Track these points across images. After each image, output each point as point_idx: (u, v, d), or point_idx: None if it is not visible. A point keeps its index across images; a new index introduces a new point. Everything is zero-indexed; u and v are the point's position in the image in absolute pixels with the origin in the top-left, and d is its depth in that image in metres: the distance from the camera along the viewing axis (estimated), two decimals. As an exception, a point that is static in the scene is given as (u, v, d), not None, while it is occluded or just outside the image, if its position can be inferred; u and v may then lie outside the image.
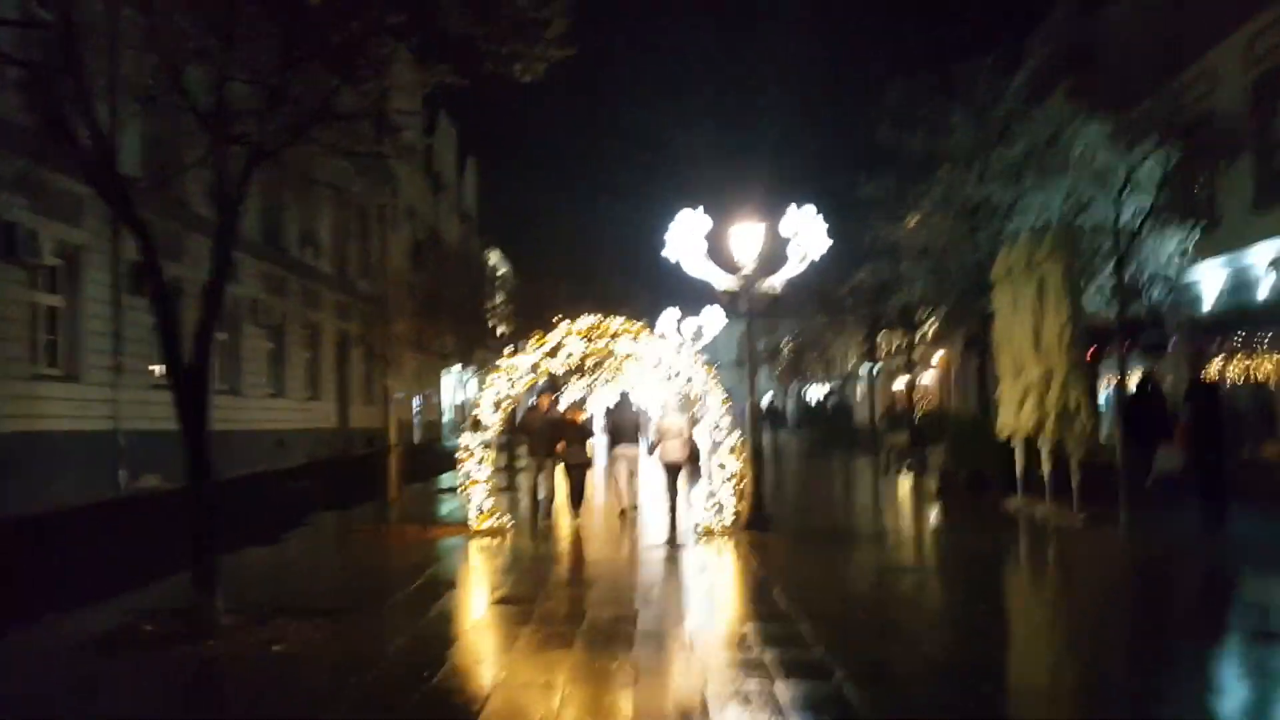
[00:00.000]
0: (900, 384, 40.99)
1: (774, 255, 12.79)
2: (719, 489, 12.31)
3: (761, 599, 8.34)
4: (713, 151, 68.45)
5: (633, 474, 14.34)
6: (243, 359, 20.92)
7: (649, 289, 36.52)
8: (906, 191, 17.07)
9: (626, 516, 14.11)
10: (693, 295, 32.81)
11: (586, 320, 12.34)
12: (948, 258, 16.66)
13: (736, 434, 12.41)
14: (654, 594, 8.75)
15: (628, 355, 12.66)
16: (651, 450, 14.05)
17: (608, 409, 19.54)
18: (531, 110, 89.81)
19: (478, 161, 44.69)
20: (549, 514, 13.96)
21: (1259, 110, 15.43)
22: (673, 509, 13.06)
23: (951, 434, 16.37)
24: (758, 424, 13.72)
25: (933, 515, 15.01)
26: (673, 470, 13.53)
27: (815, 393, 58.65)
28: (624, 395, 17.66)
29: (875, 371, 34.89)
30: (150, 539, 11.49)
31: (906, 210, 17.55)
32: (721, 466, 12.33)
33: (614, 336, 12.23)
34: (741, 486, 12.39)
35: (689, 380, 12.59)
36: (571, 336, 12.19)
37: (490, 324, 28.58)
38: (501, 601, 8.48)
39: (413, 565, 10.23)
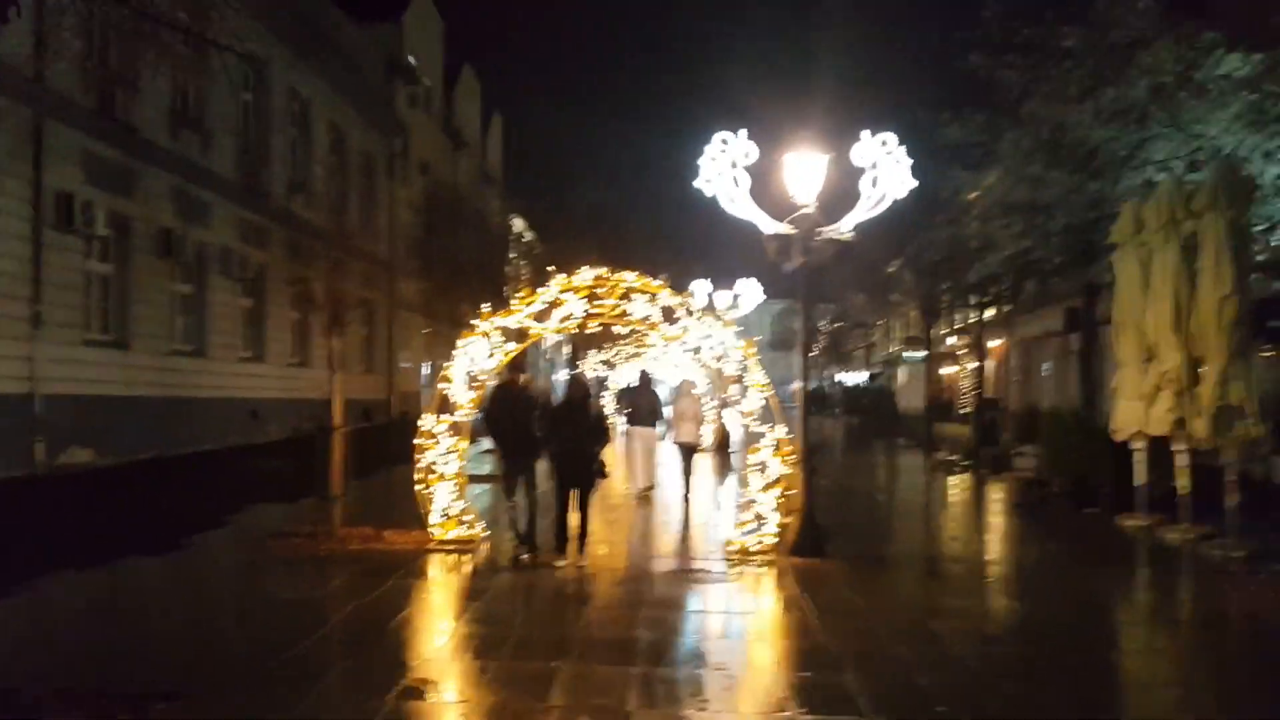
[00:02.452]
0: (952, 370, 37.70)
1: (835, 202, 9.76)
2: (759, 497, 9.34)
3: (830, 698, 5.32)
4: (765, 87, 62.02)
5: (650, 455, 14.00)
6: (210, 316, 18.19)
7: (685, 259, 33.51)
8: (1001, 133, 13.76)
9: (644, 499, 13.61)
10: (729, 269, 29.97)
11: (589, 273, 9.26)
12: (1051, 215, 13.40)
13: (782, 429, 9.38)
14: (659, 678, 5.71)
15: (646, 320, 9.55)
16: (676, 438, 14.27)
17: (624, 389, 16.84)
18: (560, 49, 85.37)
19: (504, 120, 41.58)
20: (533, 531, 9.26)
21: None
22: (686, 499, 13.31)
23: (1047, 433, 13.25)
24: (808, 417, 10.60)
25: (1025, 534, 11.98)
26: (687, 451, 13.95)
27: (852, 378, 55.55)
28: (643, 374, 14.88)
29: (924, 356, 31.59)
30: (63, 530, 9.10)
31: (998, 158, 14.24)
32: (762, 469, 9.33)
33: (624, 296, 9.19)
34: (788, 495, 9.39)
35: (721, 357, 9.57)
36: (569, 294, 9.16)
37: (507, 291, 25.73)
38: (413, 691, 5.41)
39: (326, 601, 7.34)
